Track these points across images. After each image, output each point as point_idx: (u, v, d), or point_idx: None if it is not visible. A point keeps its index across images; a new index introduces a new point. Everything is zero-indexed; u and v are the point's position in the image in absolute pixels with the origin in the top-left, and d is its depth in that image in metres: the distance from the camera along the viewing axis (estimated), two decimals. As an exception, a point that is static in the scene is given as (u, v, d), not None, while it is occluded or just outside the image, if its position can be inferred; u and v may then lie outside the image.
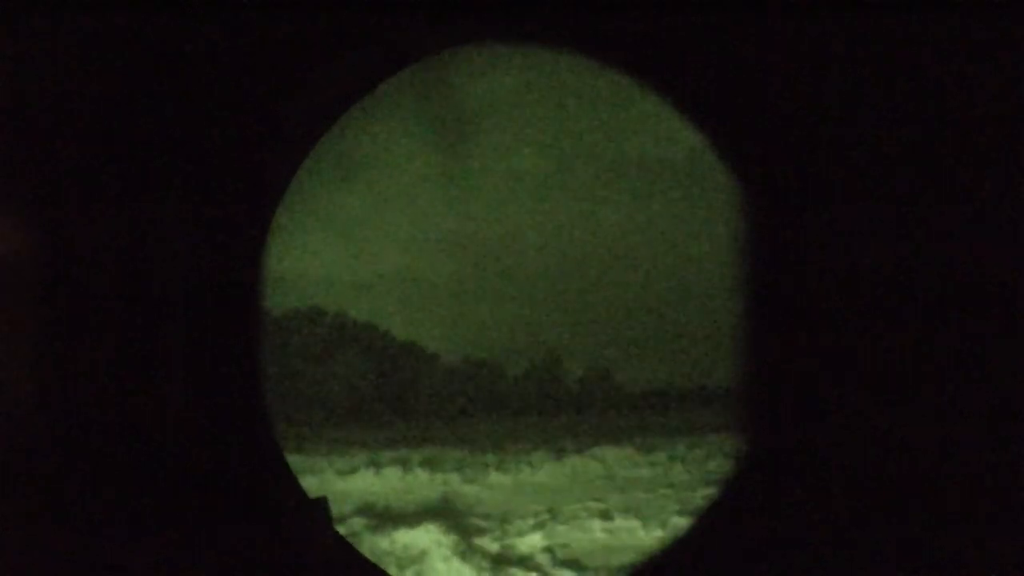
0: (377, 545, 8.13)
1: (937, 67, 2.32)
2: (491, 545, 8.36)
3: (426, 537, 8.32)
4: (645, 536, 8.66)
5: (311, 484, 11.08)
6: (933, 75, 2.33)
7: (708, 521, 2.83)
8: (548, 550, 8.19)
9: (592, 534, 8.87)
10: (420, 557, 7.67)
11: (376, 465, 13.84)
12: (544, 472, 13.60)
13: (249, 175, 2.55)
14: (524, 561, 7.84)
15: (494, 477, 13.09)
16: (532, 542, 8.50)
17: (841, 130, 2.39)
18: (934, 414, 2.31)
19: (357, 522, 9.24)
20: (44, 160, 2.41)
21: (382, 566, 7.51)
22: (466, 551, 7.97)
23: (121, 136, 2.44)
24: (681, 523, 8.95)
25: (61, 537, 2.41)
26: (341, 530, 3.12)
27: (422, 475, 13.16)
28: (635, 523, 9.17)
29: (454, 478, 13.00)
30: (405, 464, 13.91)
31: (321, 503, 2.89)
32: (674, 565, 2.78)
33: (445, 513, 9.88)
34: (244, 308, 2.60)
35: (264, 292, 2.73)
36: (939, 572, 2.33)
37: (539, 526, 9.15)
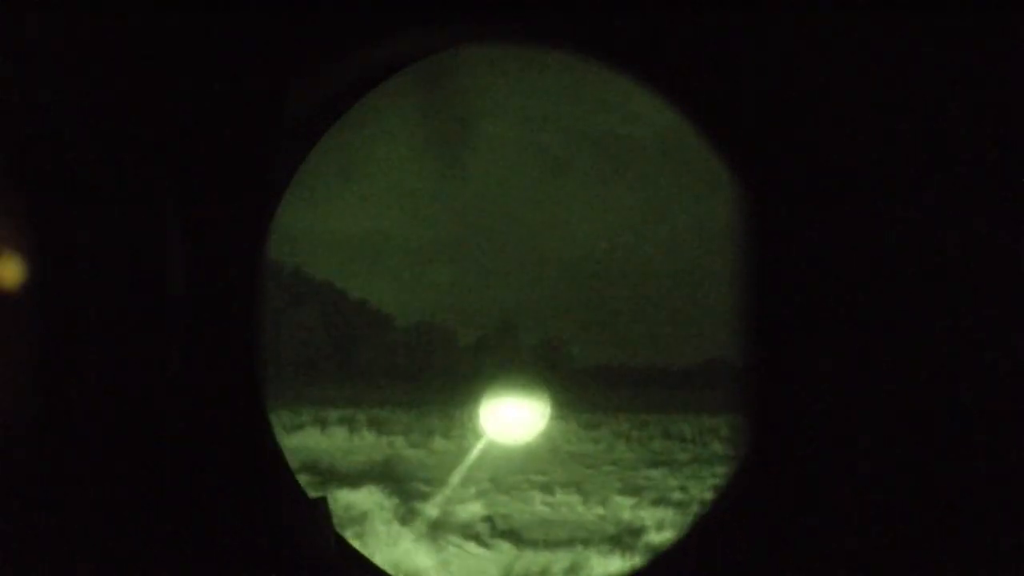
0: (319, 504, 8.13)
1: (938, 65, 2.35)
2: (432, 511, 8.41)
3: (368, 499, 8.35)
4: (585, 512, 8.76)
5: (256, 438, 11.01)
6: (934, 73, 2.35)
7: (707, 521, 2.87)
8: (488, 519, 8.25)
9: (532, 506, 8.94)
10: (361, 518, 7.71)
11: (323, 423, 13.82)
12: (488, 441, 13.68)
13: (249, 174, 2.54)
14: (464, 529, 7.90)
15: (439, 443, 13.14)
16: (472, 510, 8.55)
17: (841, 128, 2.41)
18: (934, 413, 2.35)
19: (301, 480, 9.23)
20: (44, 159, 2.39)
21: (322, 525, 7.50)
22: (407, 515, 8.02)
23: (120, 135, 2.41)
24: (622, 501, 9.07)
25: (59, 537, 2.40)
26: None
27: (368, 436, 13.17)
28: (576, 498, 9.26)
29: (400, 441, 13.04)
30: (352, 424, 13.91)
31: (321, 503, 2.90)
32: (674, 565, 2.82)
33: (388, 476, 9.91)
34: (244, 308, 2.60)
35: (265, 293, 2.72)
36: (939, 572, 2.38)
37: (480, 495, 9.20)
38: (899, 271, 2.36)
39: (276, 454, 2.80)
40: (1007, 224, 2.29)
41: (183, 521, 2.45)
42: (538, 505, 9.00)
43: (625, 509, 8.86)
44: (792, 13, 2.39)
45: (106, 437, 2.43)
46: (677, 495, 9.48)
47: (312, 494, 2.92)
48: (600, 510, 8.85)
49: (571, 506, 9.03)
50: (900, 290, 2.37)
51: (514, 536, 7.77)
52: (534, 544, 7.52)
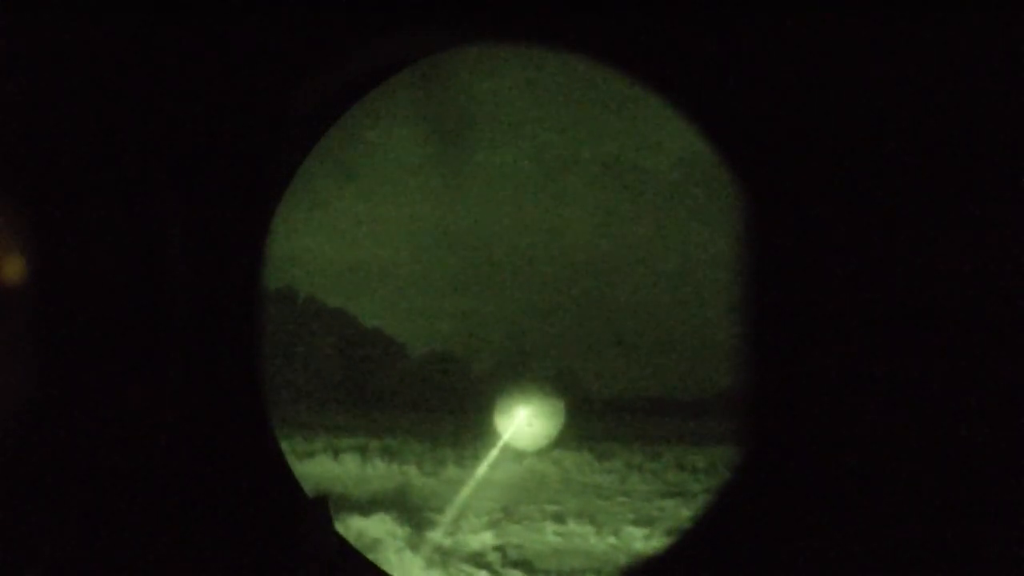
0: (330, 531, 8.10)
1: (939, 66, 2.34)
2: (443, 539, 8.37)
3: (380, 527, 8.32)
4: (598, 543, 8.70)
5: (268, 465, 11.01)
6: (935, 74, 2.34)
7: (706, 522, 2.85)
8: (499, 549, 8.21)
9: (544, 536, 8.89)
10: (373, 546, 7.68)
11: (335, 451, 13.75)
12: (501, 471, 13.58)
13: (249, 175, 2.54)
14: (475, 558, 7.86)
15: (451, 472, 13.04)
16: (484, 540, 8.51)
17: (842, 130, 2.40)
18: (934, 414, 2.33)
19: (311, 505, 9.18)
20: (45, 159, 2.40)
21: (334, 552, 7.47)
22: (418, 543, 7.98)
23: (121, 135, 2.42)
24: (635, 532, 9.00)
25: (60, 537, 2.39)
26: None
27: (380, 465, 13.10)
28: (588, 529, 9.19)
29: (412, 470, 12.95)
30: (364, 452, 13.82)
31: (321, 503, 2.88)
32: (673, 565, 2.79)
33: (400, 504, 9.86)
34: (244, 308, 2.59)
35: (265, 293, 2.71)
36: (939, 572, 2.36)
37: (492, 524, 9.15)
38: (905, 285, 2.35)
39: (276, 454, 2.79)
40: (1010, 225, 2.28)
41: (184, 521, 2.44)
42: (550, 535, 8.93)
43: (638, 540, 8.80)
44: (793, 14, 2.39)
45: (106, 438, 2.42)
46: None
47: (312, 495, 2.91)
48: (613, 540, 8.79)
49: (583, 536, 8.96)
50: (906, 305, 2.36)
51: (526, 566, 7.71)
52: (546, 574, 7.46)
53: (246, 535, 2.54)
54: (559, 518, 9.63)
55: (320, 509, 2.88)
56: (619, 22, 2.61)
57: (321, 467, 12.69)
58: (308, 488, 10.34)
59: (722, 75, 2.56)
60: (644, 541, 8.69)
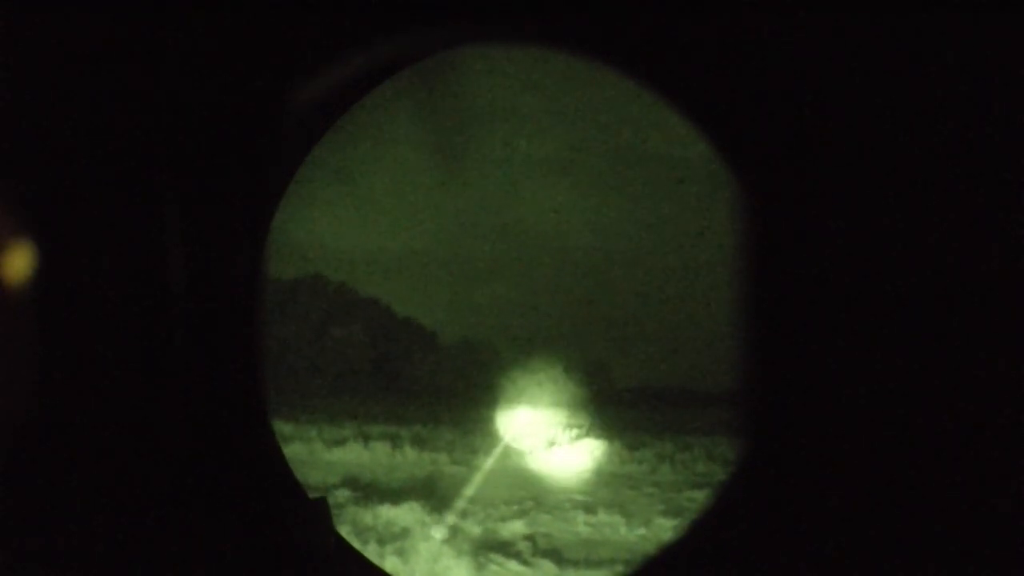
0: (360, 519, 8.15)
1: (940, 66, 2.32)
2: (473, 528, 8.38)
3: (410, 515, 8.35)
4: (627, 533, 8.68)
5: (300, 452, 11.13)
6: (936, 74, 2.33)
7: (706, 521, 2.84)
8: (529, 538, 8.21)
9: (575, 526, 8.88)
10: (402, 535, 7.70)
11: (365, 438, 13.85)
12: (531, 460, 13.61)
13: (248, 175, 2.55)
14: (505, 547, 7.86)
15: (481, 461, 13.11)
16: (514, 529, 8.51)
17: (842, 129, 2.39)
18: (935, 415, 2.32)
19: (342, 494, 9.26)
20: (43, 159, 2.42)
21: (364, 541, 7.53)
22: (448, 532, 8.00)
23: (120, 135, 2.44)
24: (665, 523, 8.98)
25: (58, 536, 2.42)
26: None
27: (411, 452, 13.18)
28: (618, 519, 9.18)
29: (442, 458, 13.02)
30: (395, 440, 13.92)
31: (321, 503, 2.89)
32: (672, 565, 2.79)
33: (430, 493, 9.90)
34: (244, 309, 2.61)
35: (264, 294, 2.72)
36: (939, 573, 2.34)
37: (522, 513, 9.16)
38: (909, 280, 2.33)
39: (276, 454, 2.80)
40: (1011, 225, 2.26)
41: (183, 521, 2.45)
42: (580, 525, 8.93)
43: (667, 530, 8.78)
44: (793, 13, 2.36)
45: (106, 438, 2.44)
46: (721, 518, 9.35)
47: (312, 495, 2.92)
48: (642, 531, 8.77)
49: (613, 527, 8.95)
50: (911, 299, 2.34)
51: (556, 555, 7.71)
52: (575, 564, 7.46)
53: (245, 535, 2.55)
54: (589, 508, 9.63)
55: (320, 509, 2.88)
56: (619, 22, 2.59)
57: (352, 454, 12.77)
58: (338, 475, 10.38)
59: (724, 75, 2.54)
60: (674, 532, 8.65)
